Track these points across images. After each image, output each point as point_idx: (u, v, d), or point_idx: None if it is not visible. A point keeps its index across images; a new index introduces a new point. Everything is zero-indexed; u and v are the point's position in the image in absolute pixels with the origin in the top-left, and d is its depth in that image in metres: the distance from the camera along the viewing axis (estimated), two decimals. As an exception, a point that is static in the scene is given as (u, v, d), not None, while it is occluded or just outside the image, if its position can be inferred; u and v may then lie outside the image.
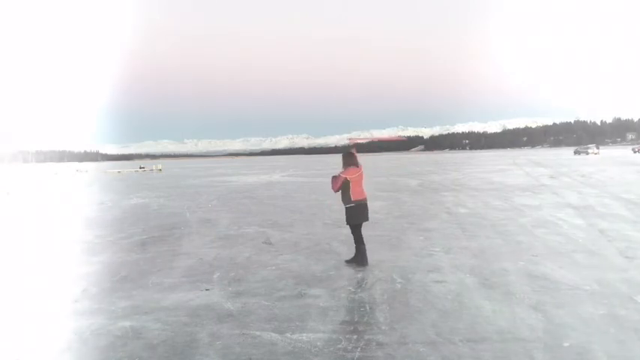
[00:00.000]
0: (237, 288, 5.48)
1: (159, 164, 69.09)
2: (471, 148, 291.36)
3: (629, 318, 4.21)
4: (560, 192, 14.90)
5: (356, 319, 4.38)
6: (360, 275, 5.92)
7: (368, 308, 4.68)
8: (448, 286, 5.32)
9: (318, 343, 3.83)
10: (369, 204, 6.48)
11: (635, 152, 65.06)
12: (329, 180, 6.52)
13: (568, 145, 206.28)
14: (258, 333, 4.09)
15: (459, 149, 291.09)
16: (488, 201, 13.23)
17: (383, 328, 4.14)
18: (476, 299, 4.84)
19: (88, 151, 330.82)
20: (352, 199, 6.24)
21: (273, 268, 6.39)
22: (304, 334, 4.02)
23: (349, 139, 6.48)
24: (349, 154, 6.40)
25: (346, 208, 6.30)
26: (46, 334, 4.33)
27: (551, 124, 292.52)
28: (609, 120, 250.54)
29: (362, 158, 6.57)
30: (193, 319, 4.48)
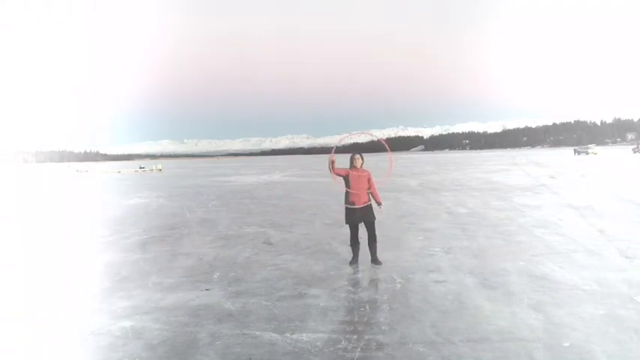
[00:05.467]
0: (237, 288, 5.48)
1: (159, 164, 69.04)
2: (471, 148, 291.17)
3: (629, 318, 4.21)
4: (560, 192, 14.90)
5: (356, 319, 4.38)
6: (360, 275, 5.92)
7: (368, 308, 4.69)
8: (448, 286, 5.32)
9: (318, 343, 3.84)
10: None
11: (635, 152, 65.06)
12: (331, 179, 6.54)
13: (568, 145, 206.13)
14: (258, 333, 4.10)
15: (459, 149, 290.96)
16: (488, 201, 13.23)
17: (383, 328, 4.15)
18: (476, 299, 4.84)
19: (88, 151, 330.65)
20: (345, 202, 6.41)
21: (273, 268, 6.39)
22: (304, 334, 4.03)
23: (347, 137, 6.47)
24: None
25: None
26: (47, 334, 4.33)
27: (551, 124, 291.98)
28: (609, 120, 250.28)
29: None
30: (193, 319, 4.48)
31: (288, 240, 8.38)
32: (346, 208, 6.38)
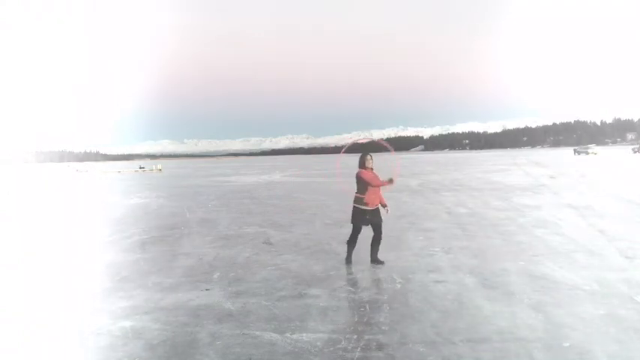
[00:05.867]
0: (237, 288, 5.48)
1: (159, 164, 69.00)
2: (471, 148, 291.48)
3: (629, 318, 4.21)
4: (560, 192, 14.91)
5: (356, 319, 4.38)
6: (360, 275, 5.92)
7: (368, 308, 4.68)
8: (448, 286, 5.32)
9: (318, 343, 3.83)
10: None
11: (635, 152, 65.06)
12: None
13: (568, 145, 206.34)
14: (258, 333, 4.10)
15: (459, 149, 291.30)
16: (488, 201, 13.23)
17: (383, 328, 4.14)
18: (476, 299, 4.84)
19: (88, 151, 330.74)
20: (357, 203, 6.29)
21: (273, 268, 6.39)
22: (304, 334, 4.03)
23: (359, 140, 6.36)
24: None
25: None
26: (47, 334, 4.33)
27: (551, 124, 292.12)
28: (609, 120, 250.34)
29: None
30: (193, 319, 4.48)
31: (288, 240, 8.38)
32: (356, 208, 6.26)
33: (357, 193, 6.28)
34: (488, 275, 5.70)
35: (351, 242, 6.43)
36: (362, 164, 6.27)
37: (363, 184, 6.21)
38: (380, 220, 6.33)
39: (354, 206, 6.31)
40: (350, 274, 5.99)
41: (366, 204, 6.20)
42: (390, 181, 6.24)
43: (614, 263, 6.08)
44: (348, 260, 6.43)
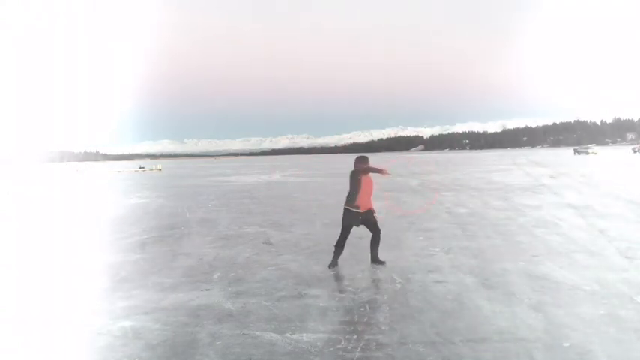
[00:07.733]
0: (237, 288, 5.48)
1: (159, 164, 68.98)
2: (470, 148, 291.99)
3: (629, 318, 4.21)
4: (560, 192, 14.91)
5: (356, 319, 4.38)
6: (360, 275, 5.92)
7: (368, 308, 4.68)
8: (448, 286, 5.32)
9: (318, 343, 3.83)
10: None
11: (635, 152, 65.08)
12: (346, 177, 6.41)
13: (568, 145, 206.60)
14: (258, 333, 4.09)
15: (458, 149, 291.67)
16: (488, 201, 13.23)
17: (383, 328, 4.14)
18: (476, 299, 4.84)
19: (88, 151, 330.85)
20: (349, 205, 6.20)
21: (273, 268, 6.39)
22: (304, 334, 4.02)
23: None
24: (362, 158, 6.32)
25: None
26: (47, 334, 4.33)
27: (551, 124, 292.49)
28: (609, 120, 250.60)
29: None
30: (193, 319, 4.47)
31: (288, 240, 8.38)
32: (347, 210, 6.18)
33: (349, 194, 6.21)
34: (489, 275, 5.70)
35: (339, 245, 6.28)
36: (362, 163, 6.22)
37: (358, 186, 6.12)
38: (374, 219, 6.23)
39: (345, 208, 6.24)
40: (350, 274, 5.99)
41: (357, 206, 6.12)
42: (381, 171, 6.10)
43: (614, 263, 6.08)
44: (334, 264, 6.25)
